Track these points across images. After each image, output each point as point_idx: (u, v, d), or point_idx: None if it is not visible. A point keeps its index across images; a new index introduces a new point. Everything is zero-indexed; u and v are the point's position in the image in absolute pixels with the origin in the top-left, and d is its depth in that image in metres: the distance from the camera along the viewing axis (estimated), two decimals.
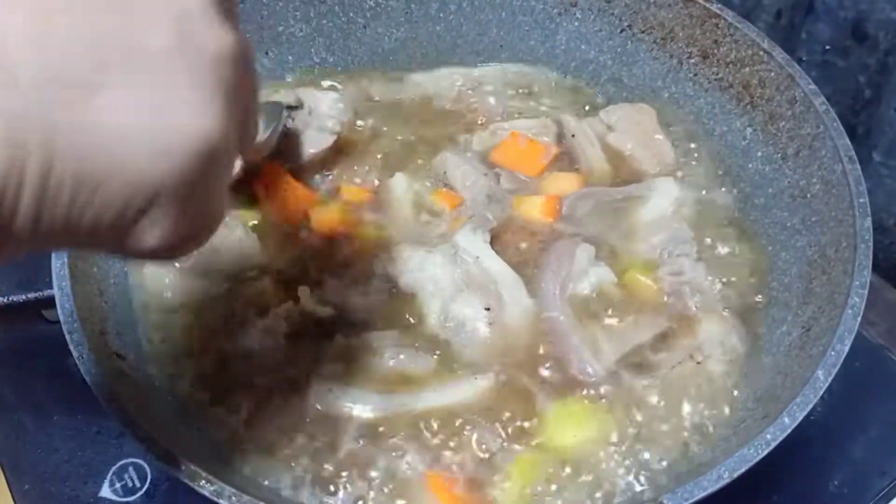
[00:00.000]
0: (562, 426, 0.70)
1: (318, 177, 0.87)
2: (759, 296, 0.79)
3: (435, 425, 0.69)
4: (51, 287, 0.68)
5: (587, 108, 0.95)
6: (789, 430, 0.59)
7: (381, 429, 0.69)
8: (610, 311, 0.76)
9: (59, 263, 0.68)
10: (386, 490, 0.67)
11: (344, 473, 0.67)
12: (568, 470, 0.67)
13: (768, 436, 0.59)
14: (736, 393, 0.72)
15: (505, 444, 0.68)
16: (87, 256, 0.72)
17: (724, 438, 0.69)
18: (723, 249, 0.82)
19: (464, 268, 0.76)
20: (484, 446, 0.68)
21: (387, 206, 0.85)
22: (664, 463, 0.68)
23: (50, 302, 0.68)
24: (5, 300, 0.76)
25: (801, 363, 0.67)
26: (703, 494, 0.57)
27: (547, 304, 0.75)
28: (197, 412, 0.72)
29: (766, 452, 0.58)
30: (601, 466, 0.68)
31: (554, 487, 0.67)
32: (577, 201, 0.84)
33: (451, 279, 0.76)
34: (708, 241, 0.82)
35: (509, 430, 0.69)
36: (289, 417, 0.70)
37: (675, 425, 0.70)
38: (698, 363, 0.73)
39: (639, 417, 0.70)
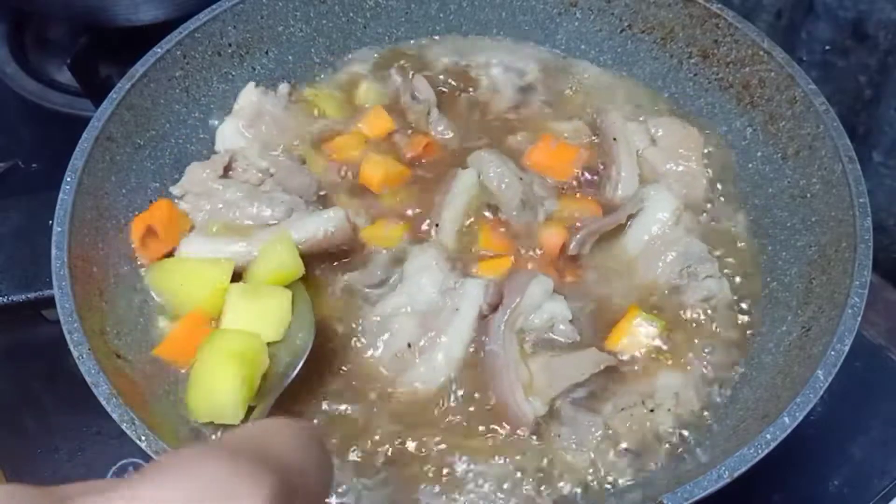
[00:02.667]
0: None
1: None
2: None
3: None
4: (51, 287, 0.68)
5: (638, 105, 0.92)
6: (789, 430, 0.59)
7: None
8: (557, 349, 0.73)
9: (58, 263, 0.68)
10: None
11: None
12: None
13: (768, 436, 0.59)
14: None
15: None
16: (87, 256, 0.72)
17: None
18: (733, 270, 0.80)
19: (440, 303, 0.74)
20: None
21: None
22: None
23: (50, 302, 0.68)
24: (5, 300, 0.76)
25: (801, 363, 0.67)
26: (703, 494, 0.57)
27: (490, 336, 0.72)
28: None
29: (766, 452, 0.58)
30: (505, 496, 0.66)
31: None
32: (587, 238, 0.79)
33: (426, 302, 0.74)
34: (717, 252, 0.80)
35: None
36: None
37: (596, 474, 0.68)
38: (650, 411, 0.70)
39: (557, 461, 0.68)
